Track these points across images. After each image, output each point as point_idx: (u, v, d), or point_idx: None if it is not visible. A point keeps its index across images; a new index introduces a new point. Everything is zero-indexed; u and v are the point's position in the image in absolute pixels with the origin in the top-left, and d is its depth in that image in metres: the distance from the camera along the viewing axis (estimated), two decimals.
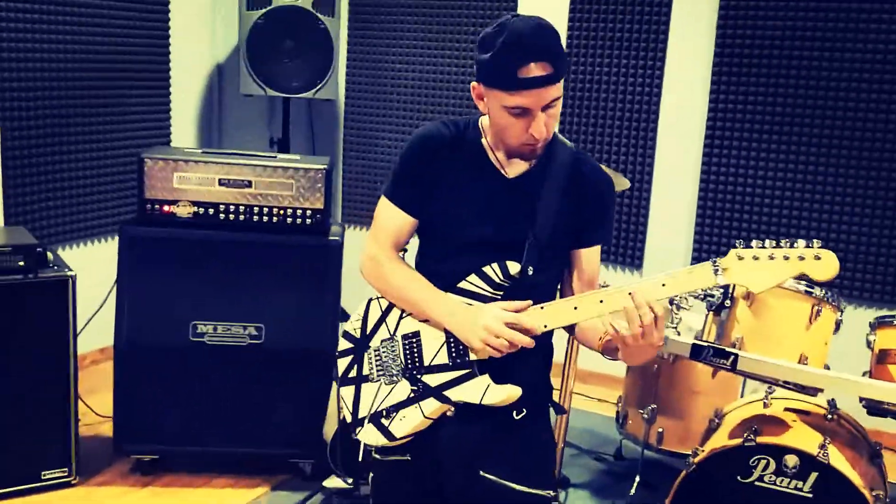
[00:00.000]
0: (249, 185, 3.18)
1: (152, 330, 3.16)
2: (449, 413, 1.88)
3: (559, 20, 4.39)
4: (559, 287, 2.02)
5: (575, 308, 1.82)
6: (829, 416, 2.75)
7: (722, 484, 2.58)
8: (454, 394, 1.87)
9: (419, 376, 1.90)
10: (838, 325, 2.65)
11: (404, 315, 1.95)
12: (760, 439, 2.53)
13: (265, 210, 3.20)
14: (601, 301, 1.78)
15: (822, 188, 3.97)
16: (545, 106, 1.76)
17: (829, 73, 3.89)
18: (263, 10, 4.07)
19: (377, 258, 1.97)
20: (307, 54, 4.17)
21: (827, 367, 2.65)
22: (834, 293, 2.61)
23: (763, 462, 2.53)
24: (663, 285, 1.74)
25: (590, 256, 1.97)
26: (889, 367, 2.58)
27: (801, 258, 1.69)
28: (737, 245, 1.73)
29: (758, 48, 4.01)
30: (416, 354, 1.92)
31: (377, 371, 1.95)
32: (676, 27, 4.18)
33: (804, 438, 2.56)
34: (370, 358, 1.97)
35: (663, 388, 3.27)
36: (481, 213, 1.89)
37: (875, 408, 2.66)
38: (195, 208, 3.17)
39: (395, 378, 1.92)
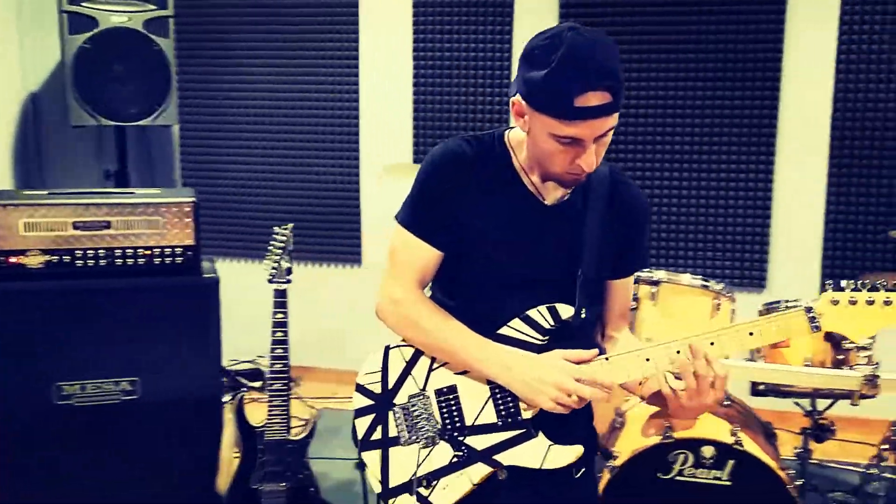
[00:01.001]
0: (108, 225, 2.89)
1: (9, 396, 2.80)
2: (501, 476, 1.65)
3: (403, 28, 4.35)
4: None
5: (647, 360, 1.60)
6: (726, 403, 2.87)
7: (645, 483, 2.62)
8: (507, 458, 1.65)
9: (461, 438, 1.67)
10: (733, 314, 2.77)
11: (434, 366, 1.71)
12: (677, 435, 2.59)
13: (128, 252, 2.92)
14: (678, 352, 1.59)
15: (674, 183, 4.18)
16: (598, 136, 1.55)
17: (676, 65, 4.10)
18: (90, 34, 3.72)
19: (403, 301, 1.71)
20: (142, 78, 3.86)
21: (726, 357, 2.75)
22: (727, 285, 2.73)
23: (682, 456, 2.59)
24: (750, 334, 1.59)
25: (627, 285, 1.82)
26: (781, 351, 2.72)
27: None
28: (827, 288, 1.59)
29: None
30: (454, 412, 1.68)
31: (408, 432, 1.70)
32: (520, 31, 4.24)
33: (715, 429, 2.65)
34: (396, 417, 1.72)
35: None
36: (522, 247, 1.68)
37: (764, 389, 2.80)
38: (47, 257, 2.84)
39: (431, 440, 1.68)
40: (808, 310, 1.58)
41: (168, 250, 2.95)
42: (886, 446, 3.36)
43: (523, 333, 1.68)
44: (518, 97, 1.60)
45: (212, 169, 4.65)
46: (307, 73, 4.48)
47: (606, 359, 1.63)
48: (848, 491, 3.46)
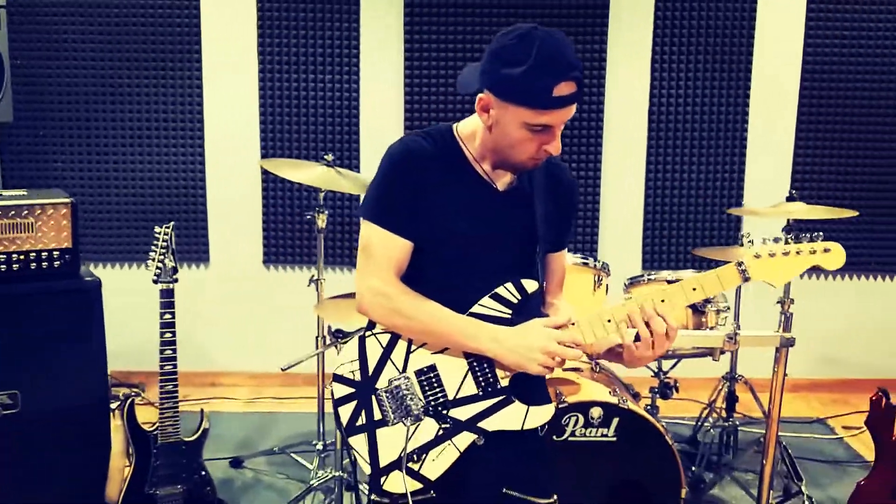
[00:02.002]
0: None
1: None
2: (479, 442, 1.79)
3: (248, 24, 4.33)
4: None
5: (609, 321, 1.77)
6: (595, 369, 3.17)
7: None
8: (490, 423, 1.79)
9: (445, 412, 1.79)
10: (607, 288, 3.07)
11: (413, 349, 1.81)
12: (570, 399, 2.84)
13: (2, 258, 2.76)
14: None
15: None
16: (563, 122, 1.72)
17: None
18: None
19: (386, 293, 1.78)
20: None
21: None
22: (603, 262, 3.02)
23: (573, 419, 2.84)
24: (693, 290, 1.76)
25: (563, 257, 2.00)
26: None
27: (813, 252, 1.78)
28: (748, 245, 1.79)
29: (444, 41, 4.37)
30: (437, 389, 1.80)
31: (393, 412, 1.80)
32: (367, 27, 4.36)
33: (597, 392, 2.93)
34: (380, 400, 1.81)
35: None
36: (485, 234, 1.81)
37: None
38: None
39: (417, 417, 1.78)
40: (739, 263, 1.78)
41: (45, 254, 2.82)
42: (716, 398, 3.85)
43: (493, 309, 1.81)
44: (486, 93, 1.72)
45: (40, 169, 4.38)
46: (148, 67, 4.33)
47: (573, 323, 1.79)
48: (684, 441, 3.92)
